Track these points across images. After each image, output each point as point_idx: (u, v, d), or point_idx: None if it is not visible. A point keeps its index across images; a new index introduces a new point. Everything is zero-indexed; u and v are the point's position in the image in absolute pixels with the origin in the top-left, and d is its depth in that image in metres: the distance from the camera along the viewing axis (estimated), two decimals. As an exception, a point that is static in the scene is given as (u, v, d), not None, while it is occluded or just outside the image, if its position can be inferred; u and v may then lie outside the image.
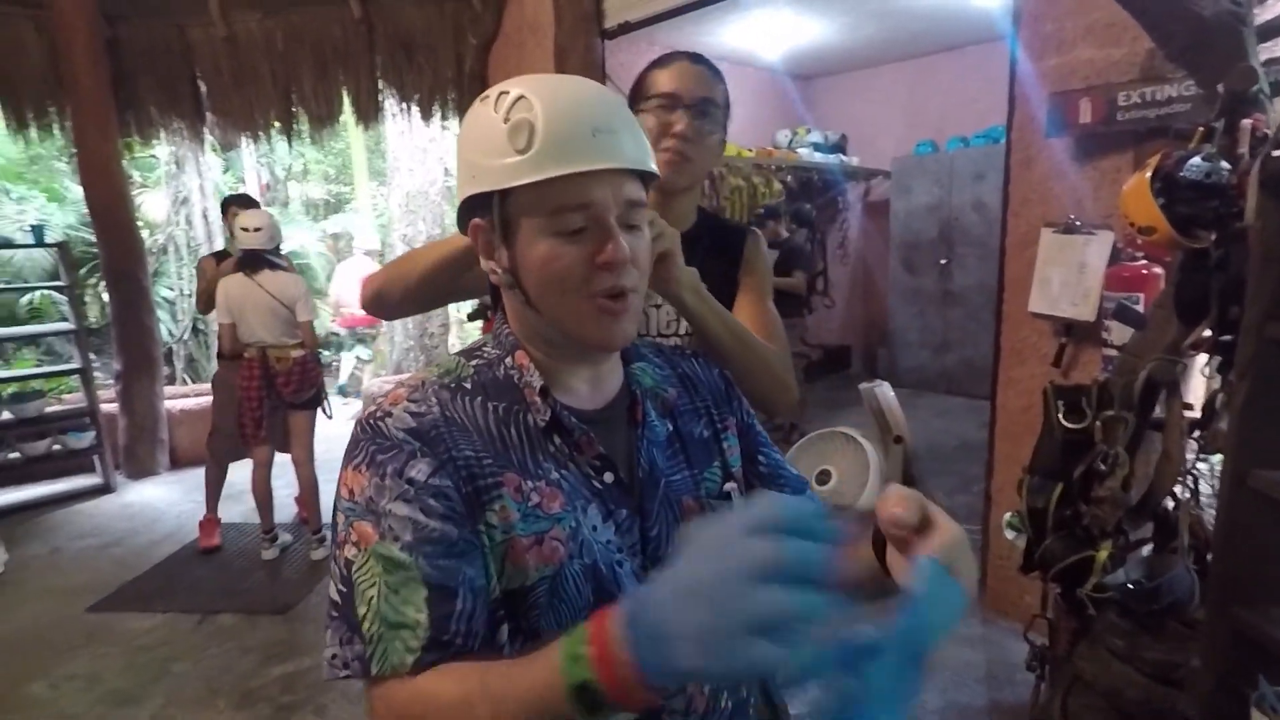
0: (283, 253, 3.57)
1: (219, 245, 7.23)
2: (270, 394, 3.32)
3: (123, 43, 4.55)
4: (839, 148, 6.38)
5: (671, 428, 0.77)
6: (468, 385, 0.70)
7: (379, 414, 0.66)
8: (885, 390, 3.93)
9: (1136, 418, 1.62)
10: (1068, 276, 2.34)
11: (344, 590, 0.61)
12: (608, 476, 0.70)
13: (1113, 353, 2.16)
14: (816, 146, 6.13)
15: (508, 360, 0.71)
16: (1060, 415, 1.76)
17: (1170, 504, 1.61)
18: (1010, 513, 2.01)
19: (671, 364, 0.83)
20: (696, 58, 1.13)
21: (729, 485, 0.79)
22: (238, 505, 3.88)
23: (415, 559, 0.59)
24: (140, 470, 4.70)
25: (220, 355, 3.48)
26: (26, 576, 3.39)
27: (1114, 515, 1.61)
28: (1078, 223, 2.32)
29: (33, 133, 4.70)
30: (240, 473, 3.59)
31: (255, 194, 8.73)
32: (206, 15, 4.46)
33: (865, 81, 6.52)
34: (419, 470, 0.62)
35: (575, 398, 0.72)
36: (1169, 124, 2.05)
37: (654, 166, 0.69)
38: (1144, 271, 2.16)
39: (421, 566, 0.59)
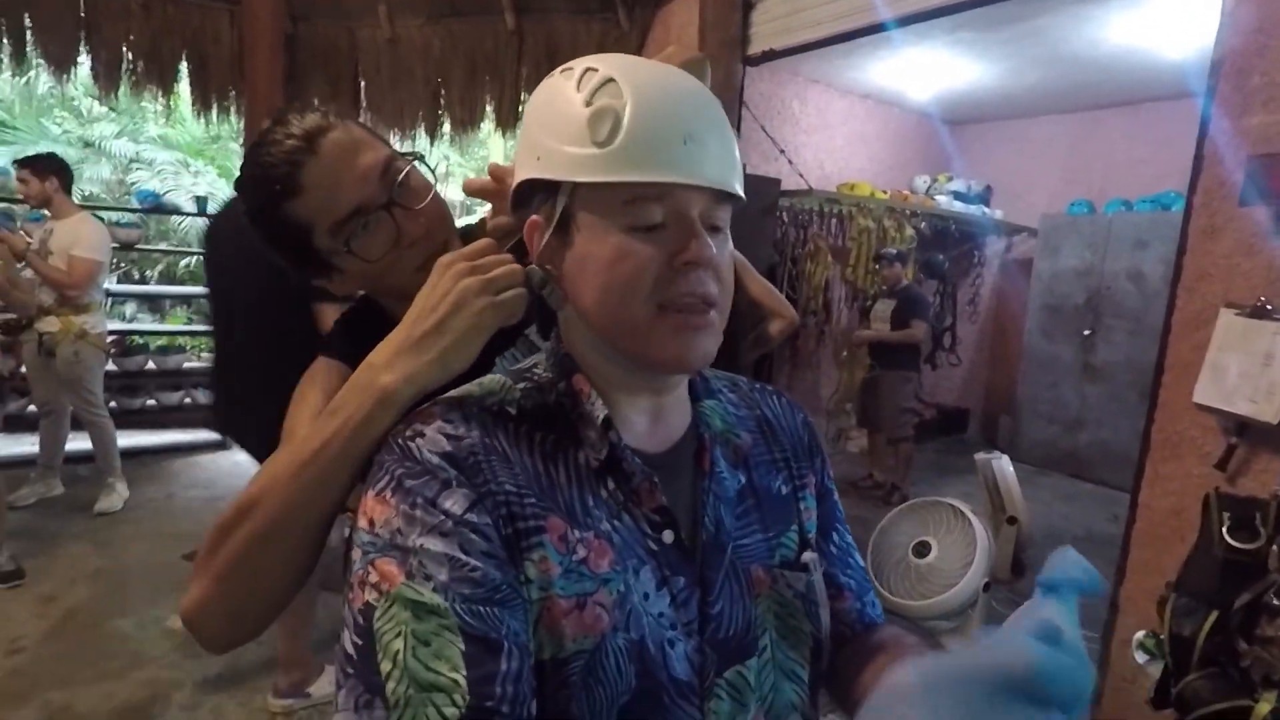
0: None
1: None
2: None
3: (300, 39, 4.94)
4: (982, 199, 5.99)
5: (745, 480, 0.65)
6: (512, 410, 0.59)
7: (410, 433, 0.56)
8: (1004, 464, 3.59)
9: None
10: (1249, 367, 2.01)
11: (360, 643, 0.50)
12: (666, 535, 0.58)
13: (1298, 464, 1.83)
14: (958, 195, 5.78)
15: (561, 385, 0.61)
16: (1225, 530, 1.49)
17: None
18: (1144, 632, 1.73)
19: (749, 404, 0.71)
20: (318, 129, 0.79)
21: (807, 555, 0.65)
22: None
23: (452, 603, 0.49)
24: (255, 433, 5.01)
25: None
26: (142, 516, 3.65)
27: (1287, 664, 1.33)
28: (1269, 306, 2.00)
29: (214, 114, 5.18)
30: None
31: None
32: (375, 18, 4.77)
33: (1019, 131, 6.11)
34: (454, 503, 0.52)
35: (632, 435, 0.60)
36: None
37: (740, 189, 0.57)
38: (1350, 374, 1.82)
39: (460, 612, 0.49)
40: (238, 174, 0.82)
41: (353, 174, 0.77)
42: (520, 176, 0.59)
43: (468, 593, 0.49)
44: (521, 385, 0.62)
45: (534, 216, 0.59)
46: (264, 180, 0.77)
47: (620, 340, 0.57)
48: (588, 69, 0.56)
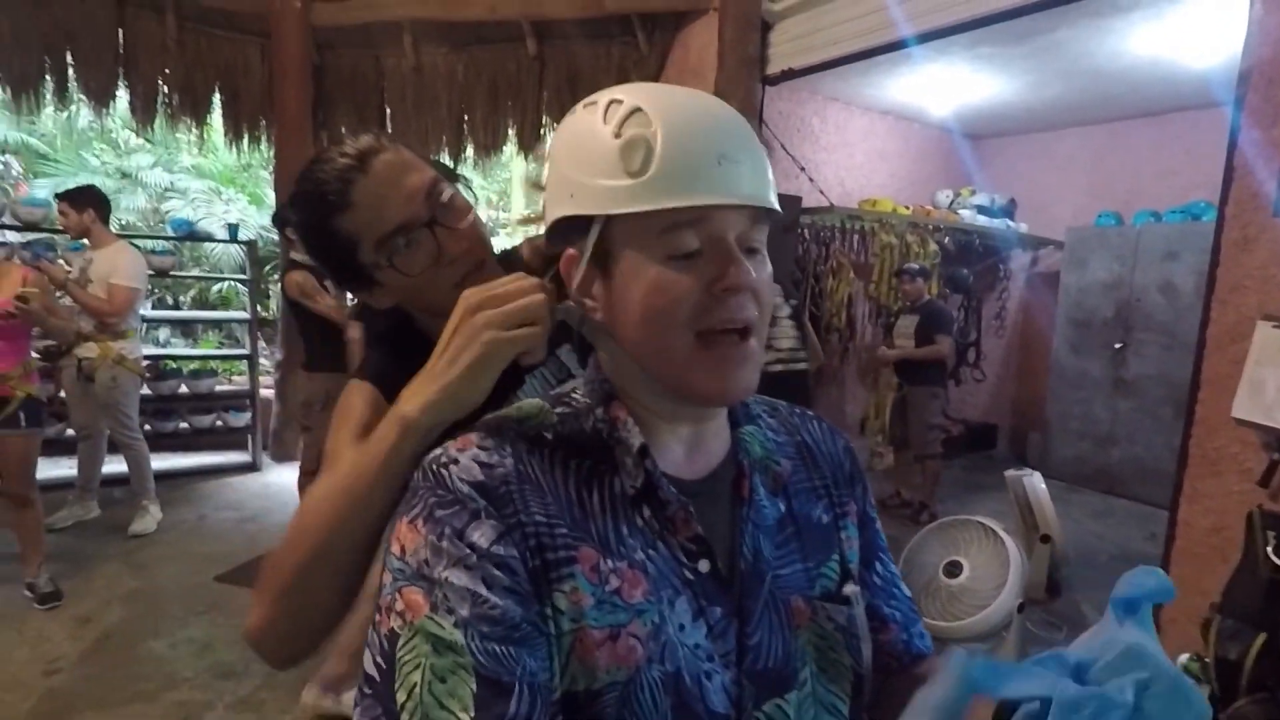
0: None
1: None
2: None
3: (328, 69, 5.07)
4: (1007, 212, 5.94)
5: (784, 508, 0.64)
6: (548, 435, 0.59)
7: (444, 459, 0.56)
8: (1035, 481, 3.52)
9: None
10: (1289, 381, 1.97)
11: (383, 666, 0.51)
12: (703, 565, 0.58)
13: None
14: (981, 209, 5.73)
15: (599, 411, 0.60)
16: (1270, 550, 1.45)
17: None
18: (1189, 655, 1.68)
19: (789, 429, 0.70)
20: (370, 150, 0.83)
21: (849, 588, 0.64)
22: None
23: (469, 640, 0.49)
24: (284, 454, 5.07)
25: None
26: (174, 538, 3.71)
27: (1341, 689, 1.29)
28: (1307, 319, 1.95)
29: (245, 143, 5.33)
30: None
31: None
32: (400, 47, 4.89)
33: (1043, 145, 6.06)
34: (481, 535, 0.52)
35: (669, 462, 0.60)
36: None
37: (775, 202, 0.57)
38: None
39: (475, 651, 0.49)
40: (293, 189, 0.87)
41: (400, 192, 0.81)
42: (554, 215, 0.60)
43: (486, 630, 0.50)
44: (559, 410, 0.61)
45: (570, 250, 0.60)
46: (317, 195, 0.82)
47: (660, 372, 0.57)
48: (612, 100, 0.56)
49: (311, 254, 0.88)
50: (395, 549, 0.54)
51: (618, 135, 0.54)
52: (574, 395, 0.63)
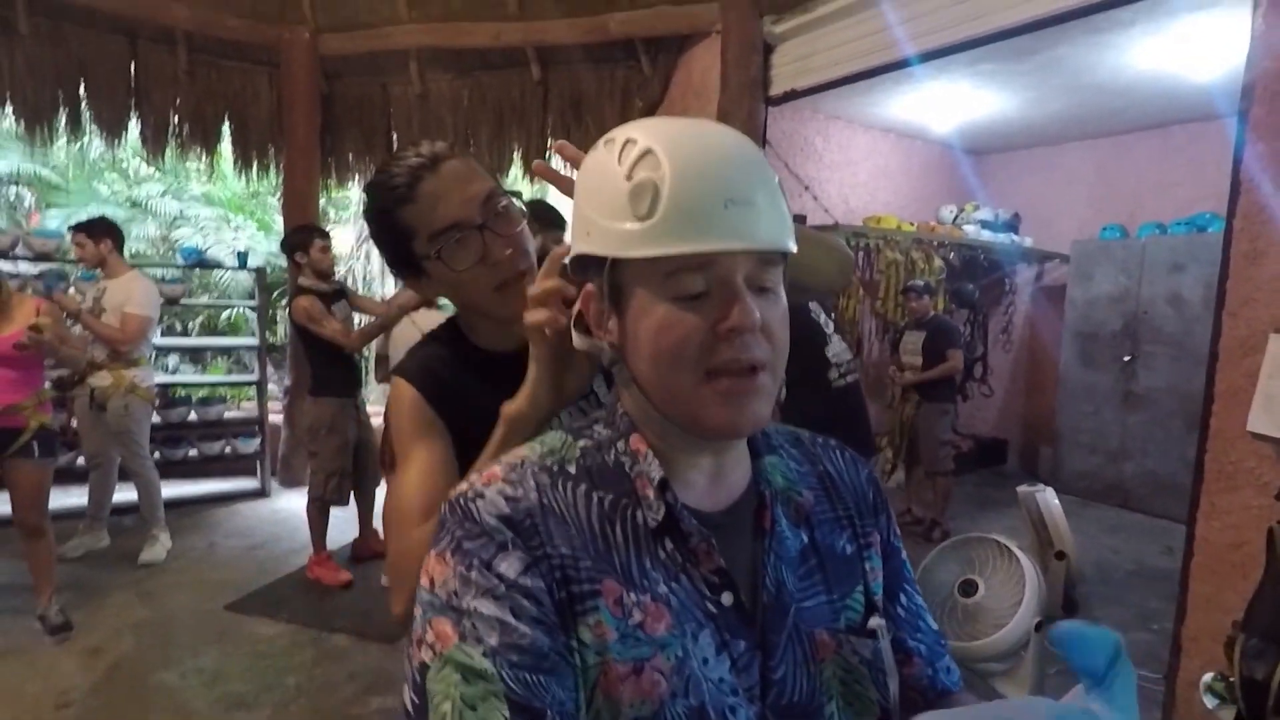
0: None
1: (390, 281, 7.91)
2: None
3: (335, 97, 5.13)
4: (1011, 227, 5.94)
5: (807, 539, 0.64)
6: (571, 469, 0.60)
7: (471, 494, 0.57)
8: (1048, 497, 3.47)
9: None
10: (1304, 394, 1.95)
11: (416, 701, 0.52)
12: (725, 597, 0.57)
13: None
14: (985, 224, 5.75)
15: (620, 444, 0.61)
16: (1293, 566, 1.43)
17: None
18: (1213, 674, 1.66)
19: (811, 460, 0.70)
20: (441, 155, 0.92)
21: (874, 621, 0.63)
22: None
23: (499, 669, 0.50)
24: (293, 480, 5.07)
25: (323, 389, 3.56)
26: (184, 566, 3.70)
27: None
28: (1320, 331, 1.94)
29: (254, 171, 5.38)
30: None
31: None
32: (406, 74, 4.94)
33: (1046, 159, 6.08)
34: (509, 566, 0.53)
35: (691, 494, 0.60)
36: None
37: (793, 245, 0.57)
38: None
39: (506, 678, 0.50)
40: (368, 180, 0.98)
41: (459, 194, 0.90)
42: (576, 250, 0.61)
43: (515, 659, 0.50)
44: (581, 443, 0.62)
45: (589, 287, 0.61)
46: (387, 186, 0.91)
47: (671, 408, 0.57)
48: (628, 140, 0.57)
49: (374, 239, 0.98)
50: (425, 581, 0.55)
51: (629, 178, 0.55)
52: (595, 428, 0.64)
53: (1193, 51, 3.86)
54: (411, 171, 0.90)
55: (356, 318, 3.81)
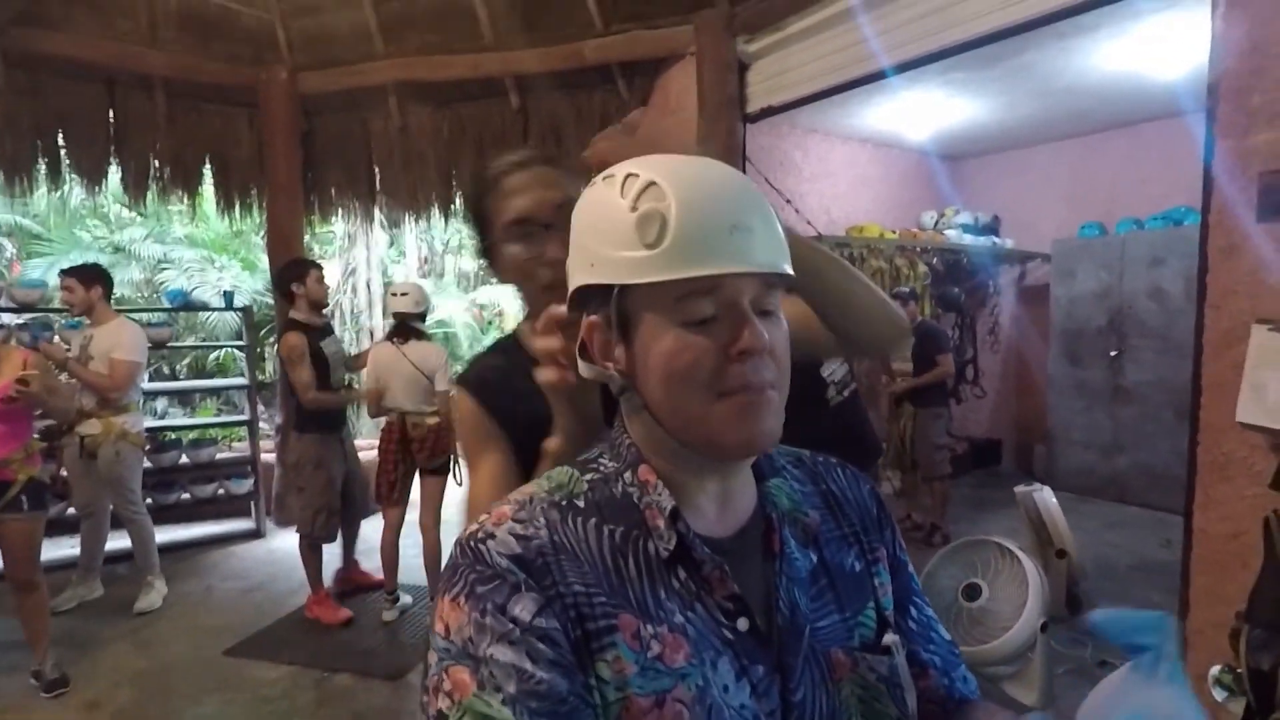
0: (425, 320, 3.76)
1: (378, 313, 7.90)
2: (405, 458, 3.45)
3: (316, 134, 5.14)
4: (991, 229, 6.03)
5: (816, 559, 0.64)
6: (580, 503, 0.60)
7: (481, 535, 0.57)
8: (1046, 496, 3.50)
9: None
10: (1290, 383, 1.97)
11: None
12: (741, 623, 0.58)
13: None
14: (966, 228, 5.82)
15: (627, 475, 0.61)
16: (1291, 554, 1.44)
17: None
18: (1220, 666, 1.66)
19: (814, 479, 0.70)
20: (535, 159, 1.05)
21: (888, 638, 0.64)
22: (367, 562, 4.01)
23: (519, 716, 0.50)
24: (287, 519, 5.00)
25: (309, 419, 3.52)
26: (180, 612, 3.65)
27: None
28: (1301, 320, 1.97)
29: (237, 211, 5.38)
30: (371, 529, 3.74)
31: (415, 267, 9.53)
32: (386, 109, 4.97)
33: (1021, 161, 6.18)
34: (523, 608, 0.53)
35: (701, 521, 0.60)
36: None
37: (787, 266, 0.59)
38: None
39: None
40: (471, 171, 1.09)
41: (536, 193, 0.99)
42: (576, 283, 0.62)
43: (534, 706, 0.50)
44: (588, 477, 0.62)
45: (592, 318, 0.62)
46: (483, 177, 1.04)
47: (687, 432, 0.58)
48: (629, 175, 0.58)
49: (466, 221, 1.13)
50: (439, 628, 0.54)
51: (634, 209, 0.56)
52: (601, 460, 0.64)
53: (1156, 52, 3.95)
54: (503, 167, 1.01)
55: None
